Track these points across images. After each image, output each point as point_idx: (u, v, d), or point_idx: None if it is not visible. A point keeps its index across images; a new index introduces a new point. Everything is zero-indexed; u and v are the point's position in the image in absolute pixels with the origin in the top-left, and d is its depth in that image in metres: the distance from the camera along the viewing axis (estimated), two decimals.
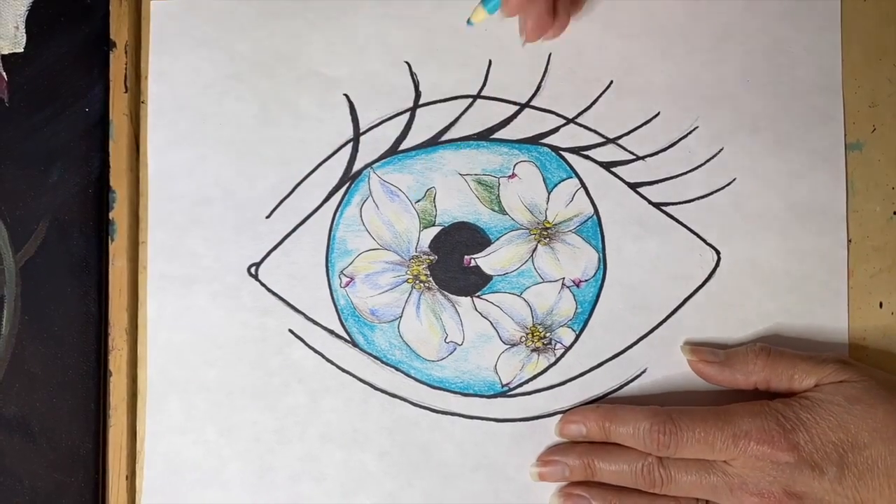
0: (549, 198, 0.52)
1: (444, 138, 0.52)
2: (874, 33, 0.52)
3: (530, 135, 0.52)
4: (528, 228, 0.52)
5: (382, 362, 0.51)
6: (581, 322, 0.51)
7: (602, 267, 0.51)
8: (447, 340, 0.51)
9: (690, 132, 0.52)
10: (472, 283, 0.51)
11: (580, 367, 0.51)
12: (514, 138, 0.52)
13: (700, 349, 0.50)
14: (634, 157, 0.51)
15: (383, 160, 0.52)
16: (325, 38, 0.53)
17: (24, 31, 0.53)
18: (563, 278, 0.51)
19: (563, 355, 0.51)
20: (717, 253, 0.51)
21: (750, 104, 0.52)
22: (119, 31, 0.53)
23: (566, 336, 0.51)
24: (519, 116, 0.52)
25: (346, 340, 0.51)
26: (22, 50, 0.53)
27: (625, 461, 0.48)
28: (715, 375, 0.49)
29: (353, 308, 0.51)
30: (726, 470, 0.47)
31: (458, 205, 0.52)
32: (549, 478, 0.50)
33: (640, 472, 0.48)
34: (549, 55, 0.52)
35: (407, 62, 0.52)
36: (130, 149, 0.53)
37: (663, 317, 0.51)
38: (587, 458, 0.49)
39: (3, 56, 0.53)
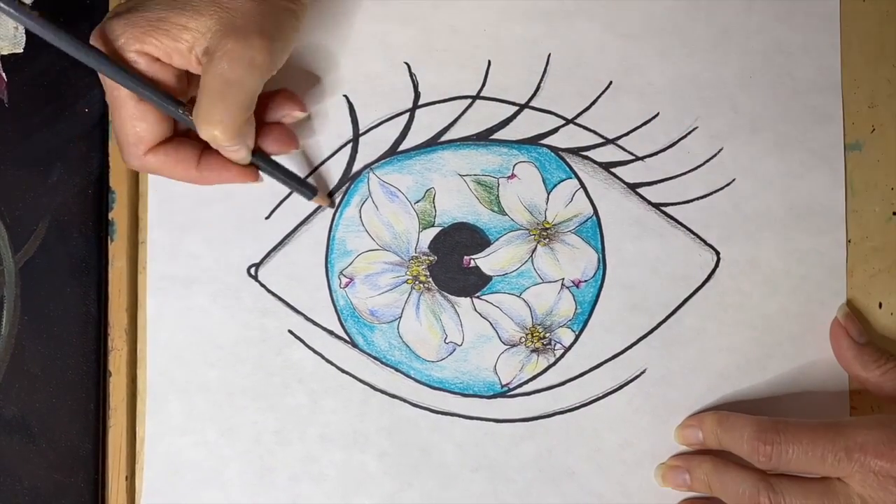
0: (548, 198, 0.52)
1: (443, 139, 0.52)
2: (874, 33, 0.52)
3: (530, 135, 0.52)
4: (527, 229, 0.52)
5: (382, 363, 0.51)
6: (580, 322, 0.51)
7: (601, 267, 0.51)
8: (447, 341, 0.51)
9: (690, 132, 0.52)
10: (472, 283, 0.52)
11: (580, 368, 0.51)
12: (514, 139, 0.52)
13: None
14: (634, 157, 0.51)
15: (383, 161, 0.52)
16: (324, 38, 0.53)
17: (24, 31, 0.53)
18: (563, 279, 0.51)
19: (562, 356, 0.51)
20: (717, 253, 0.51)
21: (749, 104, 0.52)
22: None
23: (566, 336, 0.51)
24: (518, 117, 0.52)
25: (345, 341, 0.51)
26: (22, 50, 0.53)
27: (734, 483, 0.46)
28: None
29: (352, 309, 0.51)
30: (846, 492, 0.43)
31: (457, 205, 0.52)
32: (670, 483, 0.49)
33: (746, 499, 0.45)
34: (549, 56, 0.52)
35: (406, 63, 0.52)
36: None
37: (663, 317, 0.51)
38: (703, 473, 0.48)
39: (3, 56, 0.53)
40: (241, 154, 0.47)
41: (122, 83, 0.44)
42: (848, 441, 0.43)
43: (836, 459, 0.43)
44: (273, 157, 0.49)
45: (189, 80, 0.47)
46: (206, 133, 0.44)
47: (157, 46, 0.44)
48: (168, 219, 0.52)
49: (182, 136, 0.48)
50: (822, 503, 0.44)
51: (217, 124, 0.44)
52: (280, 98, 0.49)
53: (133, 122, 0.45)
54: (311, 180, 0.52)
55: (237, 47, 0.43)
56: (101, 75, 0.45)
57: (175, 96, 0.46)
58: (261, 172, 0.49)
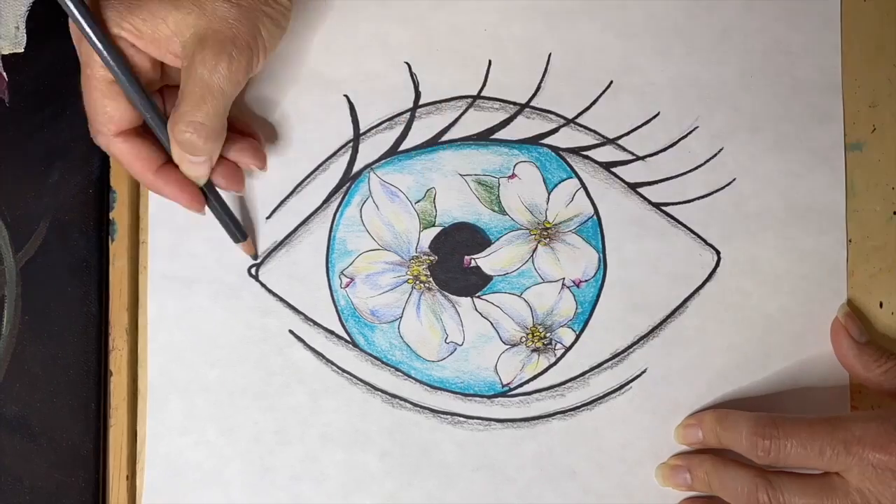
0: (549, 198, 0.52)
1: (444, 139, 0.52)
2: (874, 33, 0.52)
3: (530, 135, 0.52)
4: (528, 229, 0.52)
5: (383, 363, 0.51)
6: (581, 322, 0.51)
7: (602, 267, 0.51)
8: (447, 341, 0.51)
9: (690, 132, 0.52)
10: (473, 283, 0.52)
11: (580, 368, 0.51)
12: (514, 139, 0.52)
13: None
14: (634, 157, 0.51)
15: (383, 161, 0.52)
16: (324, 38, 0.53)
17: (24, 31, 0.53)
18: (564, 278, 0.51)
19: (563, 355, 0.51)
20: (717, 253, 0.51)
21: (750, 104, 0.52)
22: None
23: (566, 336, 0.51)
24: (519, 117, 0.52)
25: (346, 341, 0.51)
26: (22, 50, 0.53)
27: (733, 481, 0.46)
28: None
29: (353, 308, 0.51)
30: (844, 487, 0.43)
31: (458, 205, 0.52)
32: (671, 483, 0.49)
33: (745, 496, 0.45)
34: (549, 56, 0.52)
35: (407, 63, 0.52)
36: None
37: (663, 317, 0.51)
38: (704, 472, 0.48)
39: (3, 56, 0.53)
40: (202, 170, 0.47)
41: (108, 61, 0.45)
42: (846, 434, 0.43)
43: (835, 453, 0.43)
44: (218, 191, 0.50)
45: (163, 70, 0.47)
46: (180, 135, 0.45)
47: (132, 33, 0.44)
48: (169, 219, 0.52)
49: (152, 136, 0.48)
50: (820, 498, 0.44)
51: (194, 127, 0.45)
52: (247, 145, 0.50)
53: (104, 100, 0.46)
54: (311, 181, 0.52)
55: (214, 55, 0.44)
56: (78, 47, 0.46)
57: (149, 87, 0.47)
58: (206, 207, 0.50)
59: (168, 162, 0.48)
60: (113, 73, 0.45)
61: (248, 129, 0.51)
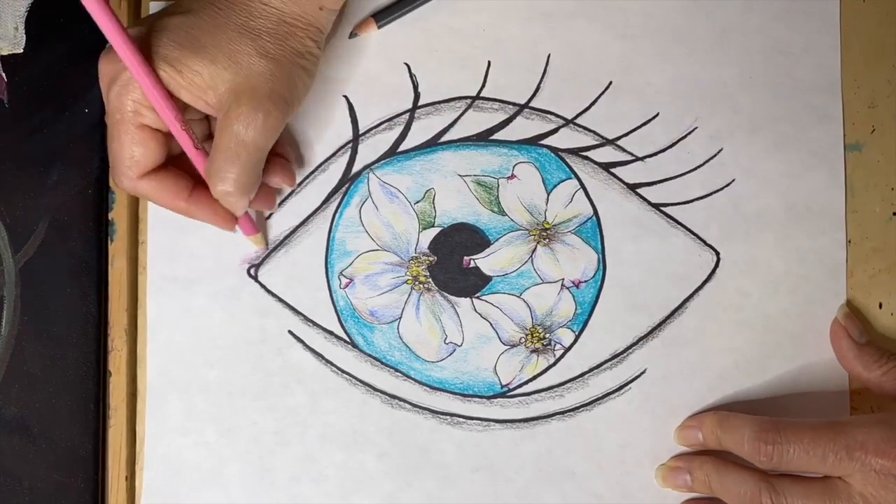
0: (548, 199, 0.52)
1: (443, 139, 0.52)
2: (874, 34, 0.52)
3: (529, 136, 0.52)
4: (527, 229, 0.52)
5: (382, 363, 0.51)
6: (580, 323, 0.51)
7: (601, 268, 0.51)
8: (447, 341, 0.51)
9: (689, 133, 0.52)
10: (472, 284, 0.52)
11: (580, 368, 0.51)
12: (514, 139, 0.52)
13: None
14: (634, 157, 0.51)
15: (382, 161, 0.52)
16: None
17: (23, 31, 0.53)
18: (563, 279, 0.51)
19: (562, 356, 0.51)
20: (717, 253, 0.51)
21: (749, 105, 0.52)
22: None
23: (566, 337, 0.51)
24: (518, 117, 0.52)
25: (345, 341, 0.51)
26: (22, 50, 0.53)
27: (735, 484, 0.46)
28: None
29: (352, 309, 0.51)
30: (847, 491, 0.43)
31: (457, 206, 0.52)
32: (671, 484, 0.49)
33: (748, 499, 0.45)
34: (549, 56, 0.52)
35: (406, 63, 0.52)
36: None
37: (663, 317, 0.51)
38: (704, 474, 0.48)
39: (3, 56, 0.53)
40: (241, 205, 0.48)
41: (149, 87, 0.44)
42: (849, 440, 0.43)
43: (837, 458, 0.43)
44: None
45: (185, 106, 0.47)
46: (215, 189, 0.46)
47: (168, 75, 0.44)
48: (168, 219, 0.52)
49: (176, 166, 0.48)
50: (823, 502, 0.44)
51: (231, 183, 0.46)
52: (277, 167, 0.50)
53: (132, 146, 0.46)
54: (310, 182, 0.52)
55: (251, 111, 0.44)
56: (106, 95, 0.46)
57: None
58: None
59: (196, 186, 0.48)
60: (152, 99, 0.44)
61: (278, 148, 0.50)
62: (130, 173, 0.47)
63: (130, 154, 0.46)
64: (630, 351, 0.51)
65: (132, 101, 0.45)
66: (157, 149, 0.46)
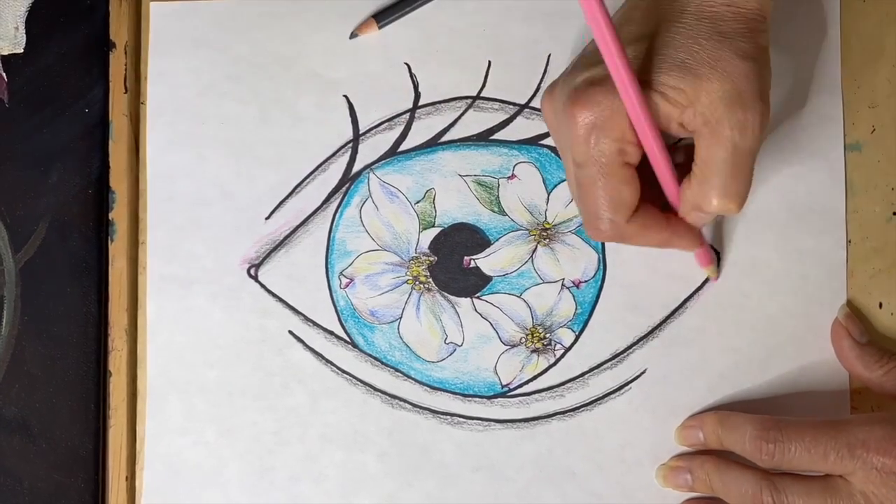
0: (548, 198, 0.52)
1: (443, 139, 0.52)
2: (874, 33, 0.52)
3: (530, 136, 0.52)
4: (527, 229, 0.52)
5: (382, 363, 0.51)
6: (581, 323, 0.51)
7: (602, 268, 0.51)
8: (447, 341, 0.51)
9: None
10: (472, 284, 0.52)
11: (580, 368, 0.51)
12: (514, 139, 0.52)
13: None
14: None
15: (383, 161, 0.52)
16: (324, 39, 0.53)
17: (24, 31, 0.53)
18: (563, 279, 0.51)
19: (562, 356, 0.51)
20: (717, 253, 0.51)
21: None
22: (119, 31, 0.53)
23: (566, 337, 0.51)
24: (518, 117, 0.52)
25: (345, 341, 0.51)
26: (22, 50, 0.53)
27: (736, 483, 0.46)
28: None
29: (352, 309, 0.51)
30: (848, 489, 0.43)
31: (457, 206, 0.52)
32: (672, 484, 0.49)
33: (749, 498, 0.45)
34: (549, 56, 0.52)
35: (406, 63, 0.52)
36: (130, 149, 0.53)
37: (663, 317, 0.51)
38: (705, 473, 0.48)
39: (3, 56, 0.53)
40: (707, 219, 0.46)
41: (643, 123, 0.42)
42: (850, 438, 0.43)
43: (839, 457, 0.43)
44: None
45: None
46: (720, 207, 0.43)
47: (655, 108, 0.42)
48: (168, 219, 0.52)
49: (644, 200, 0.45)
50: (824, 501, 0.44)
51: (735, 197, 0.43)
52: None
53: (622, 186, 0.43)
54: (310, 182, 0.52)
55: (747, 117, 0.42)
56: (581, 138, 0.42)
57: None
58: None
59: (665, 212, 0.46)
60: (640, 133, 0.42)
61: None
62: (620, 217, 0.44)
63: (620, 198, 0.43)
64: (630, 351, 0.51)
65: (614, 140, 0.42)
66: (637, 184, 0.43)
